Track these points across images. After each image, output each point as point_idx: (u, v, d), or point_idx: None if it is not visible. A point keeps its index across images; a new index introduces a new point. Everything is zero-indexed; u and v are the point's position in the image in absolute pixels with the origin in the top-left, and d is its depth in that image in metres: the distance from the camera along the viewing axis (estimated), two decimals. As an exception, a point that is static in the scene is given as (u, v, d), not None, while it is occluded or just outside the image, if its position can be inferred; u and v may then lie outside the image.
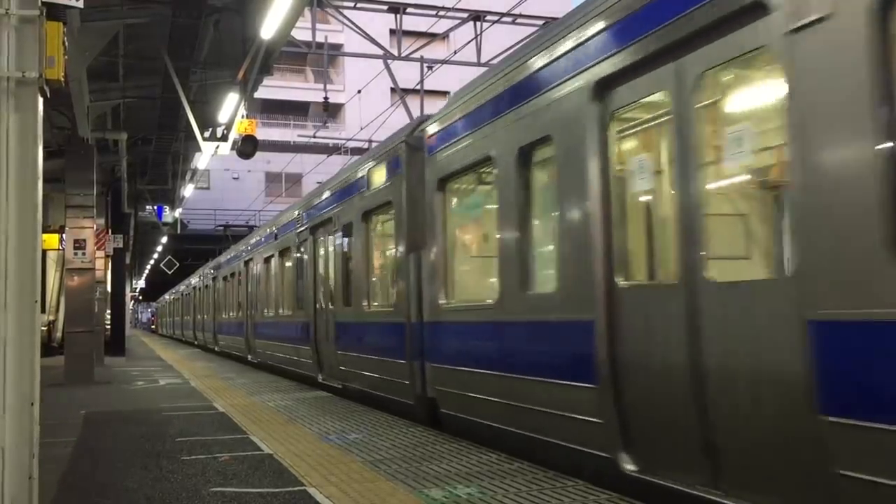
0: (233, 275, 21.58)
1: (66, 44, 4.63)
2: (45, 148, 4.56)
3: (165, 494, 5.18)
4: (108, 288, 22.63)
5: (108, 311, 23.57)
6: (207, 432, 7.78)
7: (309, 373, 12.66)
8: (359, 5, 15.98)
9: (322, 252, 12.19)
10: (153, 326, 74.04)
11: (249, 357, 18.66)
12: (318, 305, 12.30)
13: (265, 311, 16.85)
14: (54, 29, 4.46)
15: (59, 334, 20.89)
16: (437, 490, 5.05)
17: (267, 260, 16.61)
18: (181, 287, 40.38)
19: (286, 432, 7.65)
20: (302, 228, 13.27)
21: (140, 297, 68.95)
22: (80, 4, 4.79)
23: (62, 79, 4.52)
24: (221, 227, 35.32)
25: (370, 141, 23.76)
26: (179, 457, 6.48)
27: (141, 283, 54.76)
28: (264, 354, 16.82)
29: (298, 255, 13.69)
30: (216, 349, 25.19)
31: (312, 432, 7.59)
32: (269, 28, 9.80)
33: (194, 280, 32.93)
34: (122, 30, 11.47)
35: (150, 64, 12.93)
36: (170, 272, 38.03)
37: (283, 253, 15.11)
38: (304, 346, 12.95)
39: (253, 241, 18.97)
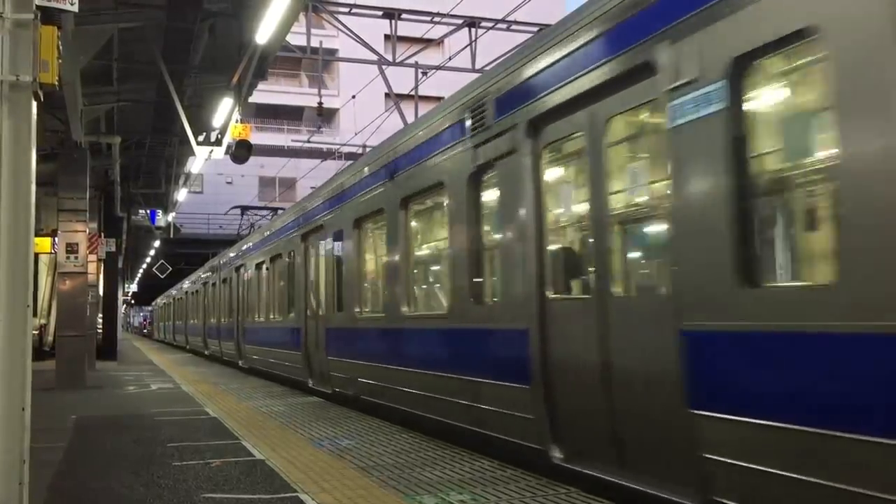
0: (274, 259, 15.19)
1: (61, 47, 4.63)
2: (38, 151, 4.55)
3: (156, 500, 5.16)
4: (101, 292, 22.56)
5: (100, 315, 23.49)
6: (199, 437, 7.75)
7: (514, 438, 6.00)
8: (354, 11, 16.02)
9: (526, 184, 5.84)
10: (145, 330, 73.74)
11: (310, 382, 12.00)
12: (496, 299, 6.59)
13: (356, 307, 9.83)
14: (49, 33, 4.47)
15: (50, 338, 20.80)
16: (430, 497, 5.04)
17: (359, 223, 9.89)
18: (185, 283, 33.72)
19: (278, 438, 7.62)
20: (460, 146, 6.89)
21: (133, 301, 68.68)
22: (75, 8, 4.80)
23: (56, 83, 4.52)
24: (237, 208, 27.38)
25: (364, 146, 23.78)
26: (171, 462, 6.45)
27: (133, 287, 54.57)
28: (350, 383, 9.85)
29: (443, 201, 7.37)
30: (241, 363, 18.52)
31: (305, 438, 7.57)
32: (264, 33, 9.80)
33: (206, 274, 26.31)
34: (116, 33, 11.45)
35: (144, 68, 12.91)
36: (162, 276, 37.86)
37: (410, 203, 8.29)
38: (507, 382, 6.04)
39: (314, 205, 12.27)
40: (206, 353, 25.82)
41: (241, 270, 18.71)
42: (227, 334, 20.71)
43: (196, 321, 28.83)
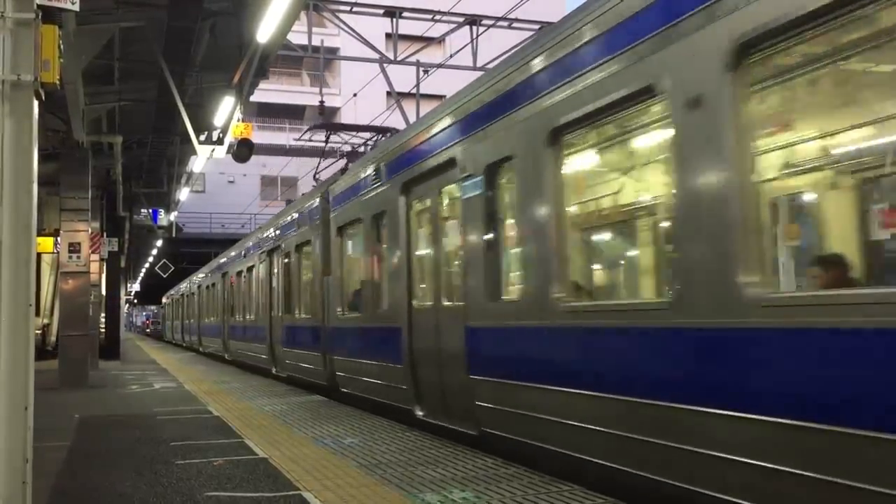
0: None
1: (62, 47, 4.63)
2: (39, 151, 4.55)
3: (159, 499, 5.16)
4: (103, 291, 22.59)
5: (103, 315, 23.52)
6: (202, 436, 7.76)
7: None
8: (355, 9, 16.00)
9: None
10: (148, 330, 73.73)
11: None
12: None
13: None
14: (50, 32, 4.47)
15: (53, 338, 20.84)
16: (433, 494, 5.04)
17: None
18: (218, 262, 24.29)
19: (281, 436, 7.63)
20: None
21: (135, 301, 68.74)
22: (76, 7, 4.79)
23: (57, 82, 4.52)
24: (319, 128, 16.26)
25: (366, 145, 23.77)
26: (174, 461, 6.45)
27: (136, 287, 54.63)
28: None
29: None
30: (419, 413, 8.09)
31: (307, 436, 7.57)
32: (265, 32, 9.79)
33: (267, 238, 16.52)
34: (117, 33, 11.46)
35: (145, 67, 12.91)
36: (165, 275, 37.90)
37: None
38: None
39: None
40: (274, 370, 15.22)
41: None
42: (362, 345, 10.04)
43: (248, 317, 18.30)
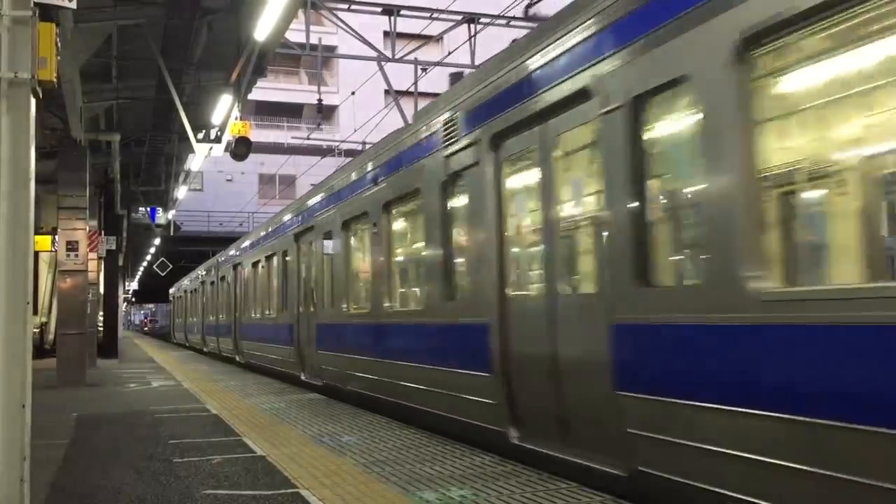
0: None
1: (59, 44, 4.63)
2: (37, 149, 4.55)
3: (157, 497, 5.16)
4: (101, 290, 22.58)
5: (101, 313, 23.51)
6: (200, 434, 7.76)
7: None
8: (353, 7, 15.99)
9: None
10: (146, 329, 73.71)
11: None
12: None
13: None
14: (47, 30, 4.47)
15: (51, 336, 20.83)
16: (431, 492, 5.05)
17: None
18: (275, 224, 15.88)
19: (279, 434, 7.63)
20: None
21: (133, 300, 68.73)
22: (73, 5, 4.79)
23: (55, 80, 4.53)
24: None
25: (364, 143, 23.78)
26: (172, 459, 6.46)
27: (134, 285, 54.61)
28: None
29: None
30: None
31: (306, 434, 7.58)
32: (262, 30, 9.79)
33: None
34: (115, 31, 11.45)
35: (143, 65, 12.90)
36: (163, 274, 37.87)
37: None
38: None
39: None
40: (514, 437, 6.06)
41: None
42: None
43: (385, 306, 9.07)
